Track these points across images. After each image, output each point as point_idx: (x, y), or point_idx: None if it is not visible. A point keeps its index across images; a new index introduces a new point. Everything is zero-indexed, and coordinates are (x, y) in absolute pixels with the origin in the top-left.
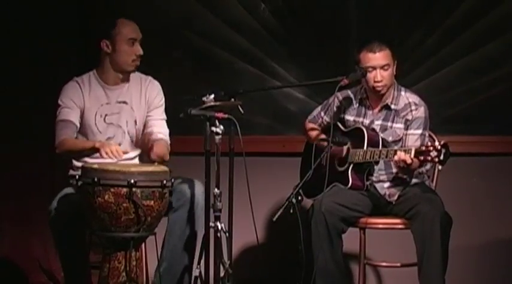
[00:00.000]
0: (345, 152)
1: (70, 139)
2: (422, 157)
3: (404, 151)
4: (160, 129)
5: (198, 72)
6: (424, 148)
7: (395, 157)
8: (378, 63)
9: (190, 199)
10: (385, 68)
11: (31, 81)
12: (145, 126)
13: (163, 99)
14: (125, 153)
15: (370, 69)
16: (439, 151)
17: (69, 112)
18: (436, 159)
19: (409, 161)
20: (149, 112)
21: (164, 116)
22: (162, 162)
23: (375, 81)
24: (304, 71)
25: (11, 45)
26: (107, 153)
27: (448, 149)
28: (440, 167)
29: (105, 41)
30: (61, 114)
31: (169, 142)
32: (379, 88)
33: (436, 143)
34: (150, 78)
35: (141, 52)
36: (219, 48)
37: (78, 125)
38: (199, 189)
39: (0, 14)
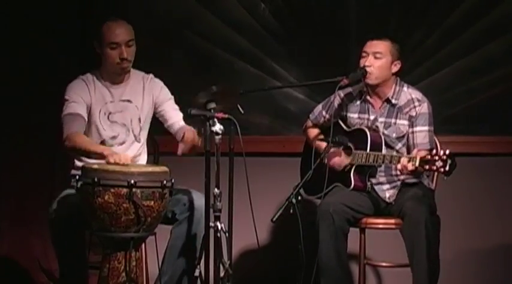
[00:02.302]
0: (342, 155)
1: (81, 136)
2: (427, 167)
3: (409, 159)
4: (179, 117)
5: (198, 72)
6: (429, 157)
7: (399, 166)
8: (370, 49)
9: (191, 214)
10: (377, 55)
11: (31, 81)
12: (163, 121)
13: (169, 92)
14: (133, 160)
15: (363, 55)
16: (444, 162)
17: (77, 106)
18: (442, 169)
19: (411, 168)
20: (160, 107)
21: (176, 106)
22: (193, 147)
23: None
24: (304, 71)
25: (11, 45)
26: (115, 161)
27: (454, 160)
28: (445, 178)
29: (95, 41)
30: (68, 108)
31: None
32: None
33: (441, 152)
34: (151, 76)
35: (124, 55)
36: (219, 48)
37: (87, 119)
38: (201, 202)
39: (0, 14)
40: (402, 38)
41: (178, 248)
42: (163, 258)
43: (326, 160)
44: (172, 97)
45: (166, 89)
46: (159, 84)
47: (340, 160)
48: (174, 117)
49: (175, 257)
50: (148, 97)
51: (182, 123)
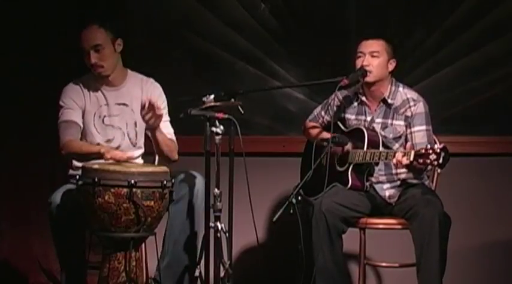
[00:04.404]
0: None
1: (76, 142)
2: (421, 160)
3: (404, 153)
4: (166, 130)
5: (198, 72)
6: (423, 151)
7: (394, 160)
8: (367, 49)
9: (191, 191)
10: (374, 54)
11: (31, 82)
12: (148, 127)
13: (166, 101)
14: (130, 158)
15: (359, 55)
16: (438, 155)
17: (72, 113)
18: (435, 162)
19: (405, 162)
20: None
21: (168, 117)
22: (169, 161)
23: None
24: (304, 71)
25: (12, 46)
26: (111, 157)
27: (447, 152)
28: (439, 170)
29: None
30: (63, 115)
31: (176, 141)
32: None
33: (436, 146)
34: (151, 80)
35: (91, 61)
36: (219, 48)
37: (82, 125)
38: (199, 180)
39: (0, 15)
40: (402, 38)
41: (178, 226)
42: (164, 238)
43: (325, 161)
44: (166, 107)
45: (164, 96)
46: (157, 90)
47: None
48: (162, 128)
49: (175, 236)
50: None
51: (169, 136)
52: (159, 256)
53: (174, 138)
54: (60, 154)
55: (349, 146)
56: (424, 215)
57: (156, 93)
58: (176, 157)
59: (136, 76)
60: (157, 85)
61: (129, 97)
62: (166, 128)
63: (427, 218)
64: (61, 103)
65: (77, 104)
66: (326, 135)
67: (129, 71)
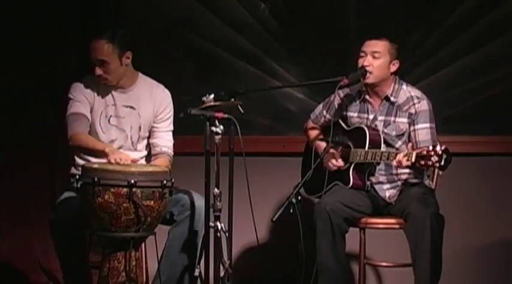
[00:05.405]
0: (339, 153)
1: (84, 135)
2: (423, 162)
3: (405, 155)
4: (165, 142)
5: (198, 72)
6: (425, 152)
7: (395, 161)
8: (369, 49)
9: (192, 215)
10: (376, 55)
11: (31, 82)
12: (150, 135)
13: (172, 110)
14: (134, 161)
15: (362, 54)
16: (440, 157)
17: (81, 106)
18: (437, 164)
19: (406, 163)
20: (156, 124)
21: (171, 127)
22: None
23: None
24: (304, 71)
25: (11, 45)
26: (115, 160)
27: (449, 154)
28: (440, 172)
29: None
30: (72, 107)
31: (172, 154)
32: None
33: (438, 148)
34: (161, 86)
35: (95, 73)
36: (220, 48)
37: (90, 119)
38: (200, 203)
39: (0, 15)
40: (402, 38)
41: (176, 249)
42: (161, 259)
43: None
44: (172, 116)
45: (171, 106)
46: (167, 98)
47: (336, 163)
48: (161, 139)
49: (172, 258)
50: (152, 107)
51: (165, 148)
52: (158, 257)
53: (170, 151)
54: (67, 147)
55: (341, 148)
56: (416, 215)
57: (164, 102)
58: (169, 168)
59: (146, 81)
60: (167, 93)
61: (136, 101)
62: (166, 140)
63: (419, 218)
64: (70, 96)
65: (86, 98)
66: (321, 144)
67: (140, 75)
